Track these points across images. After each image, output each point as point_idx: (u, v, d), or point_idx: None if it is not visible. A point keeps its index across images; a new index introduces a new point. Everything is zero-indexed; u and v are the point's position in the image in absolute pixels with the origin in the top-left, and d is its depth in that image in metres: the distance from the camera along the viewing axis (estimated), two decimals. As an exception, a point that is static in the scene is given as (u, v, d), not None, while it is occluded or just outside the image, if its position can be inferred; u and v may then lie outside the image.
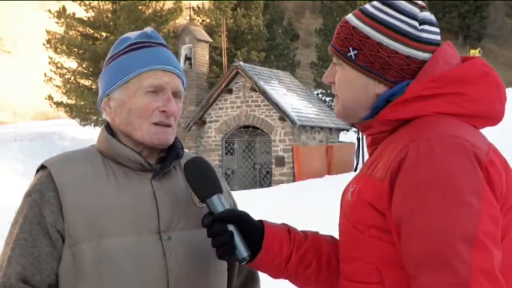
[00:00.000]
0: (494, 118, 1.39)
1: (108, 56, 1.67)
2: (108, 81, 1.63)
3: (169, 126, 1.61)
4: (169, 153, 1.65)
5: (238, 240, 1.50)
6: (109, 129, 1.66)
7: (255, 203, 14.95)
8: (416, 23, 1.40)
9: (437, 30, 1.44)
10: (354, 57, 1.42)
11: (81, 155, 1.63)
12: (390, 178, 1.29)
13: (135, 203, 1.56)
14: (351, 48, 1.43)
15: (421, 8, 1.43)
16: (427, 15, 1.43)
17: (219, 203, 1.52)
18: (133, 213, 1.54)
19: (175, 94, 1.62)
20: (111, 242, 1.50)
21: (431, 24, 1.43)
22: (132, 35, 1.66)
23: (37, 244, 1.50)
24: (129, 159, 1.59)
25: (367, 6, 1.46)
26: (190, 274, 1.57)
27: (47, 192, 1.53)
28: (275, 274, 1.57)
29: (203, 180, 1.55)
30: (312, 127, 22.54)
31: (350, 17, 1.47)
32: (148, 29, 1.67)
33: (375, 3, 1.45)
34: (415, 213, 1.23)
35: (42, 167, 1.59)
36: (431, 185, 1.22)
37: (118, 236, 1.51)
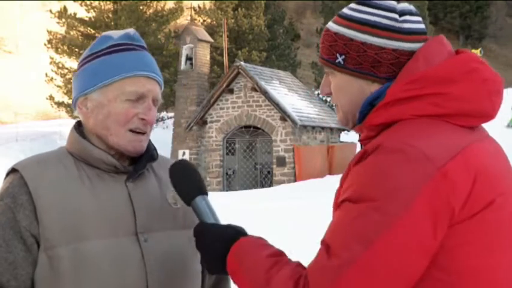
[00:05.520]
0: (483, 115, 1.34)
1: (87, 53, 1.62)
2: (86, 80, 1.59)
3: (144, 133, 1.59)
4: (142, 154, 1.63)
5: None
6: (79, 130, 1.63)
7: (256, 203, 14.94)
8: (396, 15, 1.39)
9: (419, 19, 1.42)
10: (342, 63, 1.41)
11: (53, 157, 1.60)
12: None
13: (111, 205, 1.54)
14: (337, 54, 1.42)
15: (398, 0, 1.42)
16: (406, 5, 1.42)
17: (204, 205, 1.52)
18: (109, 215, 1.52)
19: (154, 101, 1.60)
20: (89, 245, 1.48)
21: (411, 14, 1.41)
22: (114, 34, 1.63)
23: (11, 249, 1.46)
24: (103, 161, 1.57)
25: (344, 9, 1.45)
26: (168, 275, 1.56)
27: (19, 196, 1.49)
28: None
29: (187, 182, 1.54)
30: (313, 127, 22.53)
31: (330, 24, 1.46)
32: (130, 30, 1.64)
33: (351, 5, 1.44)
34: (341, 205, 1.30)
35: (12, 170, 1.55)
36: (359, 185, 1.26)
37: (95, 238, 1.49)
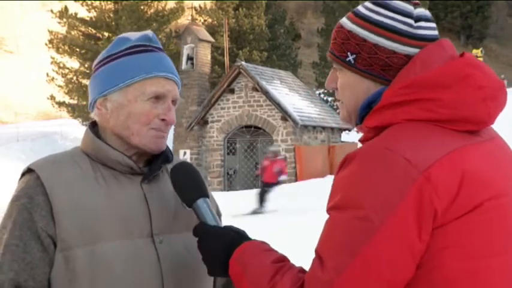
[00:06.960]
0: (477, 122, 1.31)
1: (105, 55, 1.63)
2: (106, 81, 1.59)
3: (164, 132, 1.60)
4: (157, 156, 1.63)
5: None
6: (94, 130, 1.63)
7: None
8: (411, 21, 1.37)
9: (433, 25, 1.40)
10: (353, 62, 1.40)
11: (68, 157, 1.59)
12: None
13: (127, 206, 1.54)
14: (349, 52, 1.40)
15: (415, 5, 1.41)
16: (422, 11, 1.40)
17: (205, 208, 1.52)
18: (125, 217, 1.52)
19: (173, 102, 1.61)
20: (105, 247, 1.48)
21: (426, 20, 1.39)
22: (132, 36, 1.63)
23: (28, 249, 1.46)
24: (119, 162, 1.57)
25: (360, 8, 1.43)
26: (184, 276, 1.56)
27: (36, 197, 1.49)
28: None
29: (188, 184, 1.54)
30: (314, 127, 22.54)
31: (344, 21, 1.44)
32: (149, 32, 1.65)
33: (368, 4, 1.42)
34: (329, 212, 1.31)
35: (28, 171, 1.54)
36: (344, 192, 1.27)
37: (111, 240, 1.49)
